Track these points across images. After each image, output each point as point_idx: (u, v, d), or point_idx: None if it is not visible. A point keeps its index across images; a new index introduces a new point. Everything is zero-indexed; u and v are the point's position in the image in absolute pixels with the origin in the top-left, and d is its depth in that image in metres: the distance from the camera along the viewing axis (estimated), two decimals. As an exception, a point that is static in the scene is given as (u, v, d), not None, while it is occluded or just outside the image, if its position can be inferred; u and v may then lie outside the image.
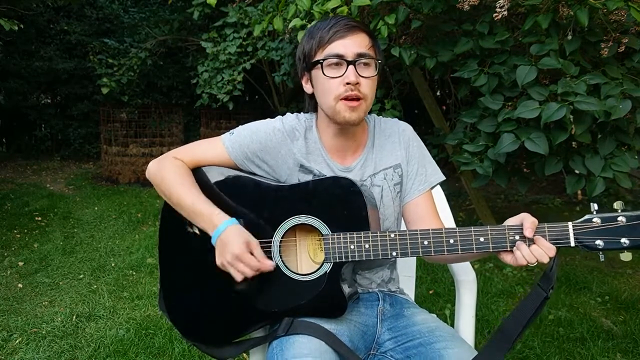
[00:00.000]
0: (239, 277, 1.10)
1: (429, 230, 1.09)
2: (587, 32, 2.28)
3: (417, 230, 1.09)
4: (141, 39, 6.79)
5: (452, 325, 1.47)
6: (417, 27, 2.64)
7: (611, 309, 2.74)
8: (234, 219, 1.14)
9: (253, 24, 3.22)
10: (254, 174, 1.26)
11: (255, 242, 1.12)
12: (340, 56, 1.15)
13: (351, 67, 1.14)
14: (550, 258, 1.02)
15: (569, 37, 2.24)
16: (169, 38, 6.47)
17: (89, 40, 7.44)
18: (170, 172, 1.22)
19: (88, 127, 8.46)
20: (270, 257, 1.16)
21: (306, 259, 1.20)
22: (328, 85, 1.16)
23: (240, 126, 1.29)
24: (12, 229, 4.33)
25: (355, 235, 1.11)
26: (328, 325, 1.12)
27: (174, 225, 1.25)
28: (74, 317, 2.65)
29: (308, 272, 1.14)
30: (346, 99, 1.15)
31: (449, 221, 1.52)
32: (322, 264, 1.13)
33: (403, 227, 1.37)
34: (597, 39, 2.25)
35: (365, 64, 1.17)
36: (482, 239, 1.06)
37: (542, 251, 1.02)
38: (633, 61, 2.33)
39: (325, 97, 1.18)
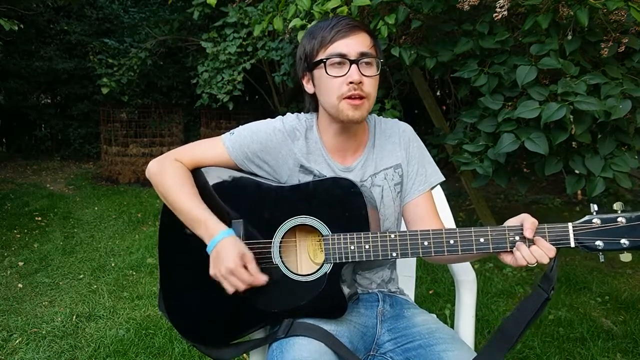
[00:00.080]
0: (230, 290, 1.10)
1: (429, 230, 1.09)
2: (587, 32, 2.28)
3: (417, 231, 1.09)
4: (141, 39, 6.79)
5: (452, 325, 1.47)
6: (417, 27, 2.64)
7: (611, 309, 2.74)
8: (230, 229, 1.14)
9: (253, 24, 3.22)
10: (254, 175, 1.25)
11: (250, 256, 1.11)
12: (343, 55, 1.15)
13: (354, 66, 1.14)
14: (551, 259, 1.02)
15: (569, 37, 2.24)
16: (169, 38, 6.47)
17: (89, 40, 7.44)
18: (170, 176, 1.22)
19: (88, 127, 8.46)
20: (270, 258, 1.16)
21: (306, 260, 1.20)
22: (331, 85, 1.16)
23: (240, 126, 1.29)
24: (12, 229, 4.33)
25: (355, 236, 1.11)
26: (328, 326, 1.12)
27: (173, 225, 1.25)
28: (74, 317, 2.65)
29: (308, 273, 1.14)
30: (349, 97, 1.15)
31: (449, 221, 1.52)
32: (322, 264, 1.13)
33: (403, 227, 1.37)
34: (597, 39, 2.25)
35: (368, 63, 1.17)
36: (482, 240, 1.06)
37: (542, 252, 1.02)
38: (633, 61, 2.33)
39: (328, 97, 1.18)
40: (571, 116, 2.16)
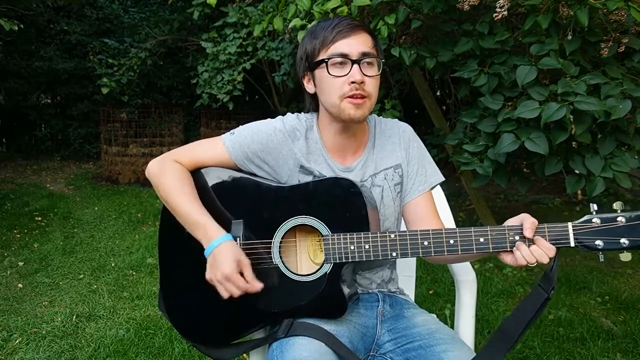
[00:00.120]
0: (225, 295, 1.10)
1: (429, 230, 1.09)
2: (587, 32, 2.28)
3: (417, 231, 1.09)
4: (141, 39, 6.79)
5: (452, 325, 1.47)
6: (417, 27, 2.64)
7: (611, 309, 2.74)
8: (228, 234, 1.14)
9: (253, 24, 3.22)
10: (254, 175, 1.25)
11: (246, 262, 1.11)
12: (344, 55, 1.15)
13: (356, 66, 1.15)
14: (550, 258, 1.02)
15: (569, 37, 2.24)
16: (169, 38, 6.47)
17: (89, 40, 7.44)
18: (170, 178, 1.22)
19: (88, 127, 8.46)
20: (270, 258, 1.16)
21: (306, 260, 1.20)
22: (333, 84, 1.16)
23: (240, 126, 1.28)
24: (12, 229, 4.33)
25: (355, 236, 1.11)
26: (328, 327, 1.12)
27: (173, 225, 1.25)
28: (74, 317, 2.65)
29: (308, 273, 1.14)
30: (351, 97, 1.15)
31: (449, 221, 1.52)
32: (322, 264, 1.13)
33: (403, 227, 1.37)
34: (597, 39, 2.25)
35: (369, 63, 1.17)
36: (482, 240, 1.06)
37: (542, 251, 1.02)
38: (633, 61, 2.33)
39: (330, 96, 1.18)
40: (571, 116, 2.16)
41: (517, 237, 1.05)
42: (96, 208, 5.23)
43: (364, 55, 1.16)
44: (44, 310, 2.76)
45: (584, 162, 2.28)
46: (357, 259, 1.11)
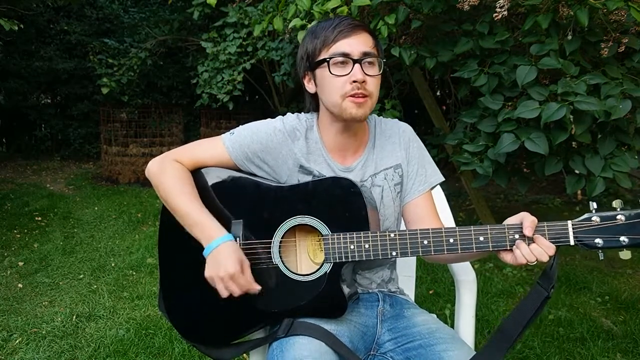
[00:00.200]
0: (225, 294, 1.11)
1: (428, 229, 1.09)
2: (587, 32, 2.28)
3: (416, 230, 1.09)
4: (141, 39, 6.79)
5: (452, 325, 1.47)
6: (417, 27, 2.64)
7: (611, 309, 2.74)
8: (230, 234, 1.14)
9: (253, 24, 3.22)
10: (254, 175, 1.25)
11: (247, 263, 1.13)
12: (346, 55, 1.15)
13: (357, 65, 1.15)
14: (550, 257, 1.03)
15: (569, 37, 2.24)
16: (169, 38, 6.47)
17: (89, 40, 7.44)
18: (170, 177, 1.22)
19: (88, 127, 8.46)
20: (270, 258, 1.16)
21: (306, 260, 1.20)
22: (334, 84, 1.16)
23: (240, 126, 1.28)
24: (12, 229, 4.33)
25: (355, 236, 1.11)
26: (328, 326, 1.12)
27: (173, 225, 1.25)
28: (74, 317, 2.65)
29: (308, 273, 1.14)
30: (353, 96, 1.15)
31: (449, 221, 1.52)
32: (322, 264, 1.13)
33: (403, 227, 1.37)
34: (597, 39, 2.25)
35: (370, 63, 1.17)
36: (481, 238, 1.06)
37: (542, 250, 1.02)
38: (633, 61, 2.33)
39: (331, 96, 1.18)
40: (571, 116, 2.16)
41: (516, 236, 1.05)
42: (96, 208, 5.23)
43: (365, 54, 1.16)
44: (44, 310, 2.76)
45: (584, 162, 2.28)
46: (357, 259, 1.11)
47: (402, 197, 1.30)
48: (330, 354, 1.06)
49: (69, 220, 4.70)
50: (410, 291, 1.55)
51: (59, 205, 5.29)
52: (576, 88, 2.10)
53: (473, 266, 1.49)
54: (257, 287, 1.12)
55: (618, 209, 1.01)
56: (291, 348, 1.06)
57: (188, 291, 1.24)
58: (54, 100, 9.08)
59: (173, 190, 1.20)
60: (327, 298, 1.13)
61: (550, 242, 1.02)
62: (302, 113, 1.32)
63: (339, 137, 1.25)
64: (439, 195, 1.54)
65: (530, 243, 1.03)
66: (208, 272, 1.12)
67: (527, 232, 1.03)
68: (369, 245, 1.10)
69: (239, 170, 1.26)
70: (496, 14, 2.14)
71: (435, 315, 1.29)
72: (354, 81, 1.14)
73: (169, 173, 1.23)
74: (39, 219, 4.71)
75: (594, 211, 1.02)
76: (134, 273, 3.34)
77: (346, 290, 1.14)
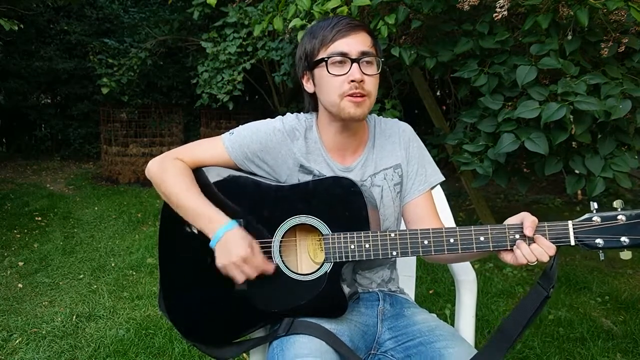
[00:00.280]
0: (241, 279, 1.11)
1: (429, 229, 1.09)
2: (587, 32, 2.28)
3: (417, 230, 1.09)
4: (141, 39, 6.79)
5: (452, 325, 1.47)
6: (417, 27, 2.64)
7: (611, 309, 2.74)
8: (234, 221, 1.14)
9: (253, 24, 3.22)
10: (254, 174, 1.26)
11: (257, 246, 1.13)
12: (344, 54, 1.15)
13: (355, 65, 1.15)
14: (551, 257, 1.03)
15: (569, 37, 2.24)
16: (169, 38, 6.47)
17: (89, 40, 7.45)
18: (171, 174, 1.22)
19: (88, 127, 8.46)
20: (270, 258, 1.16)
21: (306, 259, 1.20)
22: (332, 83, 1.16)
23: (240, 126, 1.29)
24: (12, 229, 4.33)
25: (355, 235, 1.11)
26: (328, 325, 1.12)
27: (173, 225, 1.25)
28: (74, 317, 2.65)
29: (308, 272, 1.14)
30: (351, 96, 1.15)
31: (449, 221, 1.52)
32: (322, 263, 1.13)
33: (403, 227, 1.37)
34: (597, 39, 2.25)
35: (368, 62, 1.18)
36: (482, 238, 1.06)
37: (542, 250, 1.02)
38: (633, 61, 2.33)
39: (330, 95, 1.18)
40: (571, 116, 2.16)
41: (517, 236, 1.05)
42: (96, 208, 5.23)
43: (363, 54, 1.16)
44: (44, 310, 2.76)
45: (584, 162, 2.28)
46: (357, 258, 1.11)
47: (402, 197, 1.30)
48: (330, 352, 1.06)
49: (69, 220, 4.70)
50: (410, 291, 1.55)
51: (59, 205, 5.29)
52: (576, 88, 2.10)
53: (473, 266, 1.49)
54: (271, 266, 1.12)
55: (619, 209, 1.01)
56: (291, 347, 1.06)
57: (188, 290, 1.24)
58: (54, 100, 9.08)
59: (175, 185, 1.20)
60: (327, 297, 1.13)
61: (551, 242, 1.02)
62: (302, 113, 1.32)
63: (338, 137, 1.25)
64: (439, 195, 1.54)
65: (531, 243, 1.03)
66: (220, 261, 1.12)
67: (528, 232, 1.03)
68: (370, 245, 1.10)
69: (239, 169, 1.26)
70: (496, 14, 2.14)
71: (435, 315, 1.29)
72: (352, 80, 1.14)
73: (170, 170, 1.23)
74: (39, 219, 4.71)
75: (594, 211, 1.02)
76: (134, 273, 3.34)
77: (346, 289, 1.14)
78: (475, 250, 1.07)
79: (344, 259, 1.11)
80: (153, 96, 7.92)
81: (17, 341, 2.39)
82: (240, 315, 1.19)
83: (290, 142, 1.25)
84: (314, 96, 1.26)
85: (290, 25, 2.56)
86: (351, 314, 1.22)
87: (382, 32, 2.42)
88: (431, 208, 1.30)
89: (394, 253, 1.10)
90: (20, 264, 3.48)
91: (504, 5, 2.11)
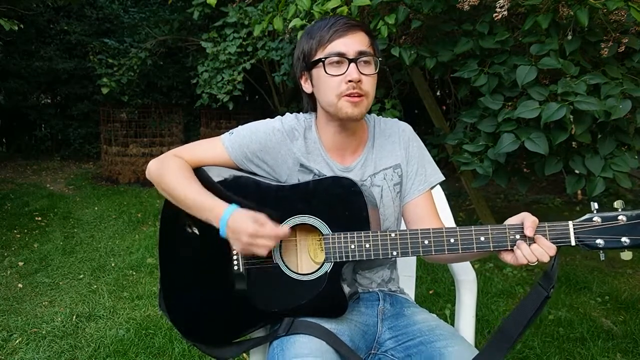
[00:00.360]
0: (264, 252, 1.09)
1: (429, 229, 1.09)
2: (587, 32, 2.28)
3: (417, 230, 1.09)
4: (141, 39, 6.79)
5: (453, 325, 1.47)
6: (417, 27, 2.64)
7: (611, 309, 2.74)
8: (233, 204, 1.14)
9: (253, 24, 3.22)
10: (254, 174, 1.26)
11: (263, 216, 1.11)
12: (341, 54, 1.15)
13: (353, 65, 1.15)
14: (551, 257, 1.03)
15: (569, 37, 2.24)
16: (169, 38, 6.47)
17: (89, 40, 7.45)
18: (171, 169, 1.22)
19: (88, 127, 8.46)
20: (270, 257, 1.16)
21: (306, 259, 1.20)
22: (330, 83, 1.16)
23: (239, 126, 1.29)
24: (12, 229, 4.33)
25: (355, 235, 1.11)
26: (329, 325, 1.12)
27: (174, 225, 1.25)
28: (74, 317, 2.65)
29: (308, 272, 1.14)
30: (349, 95, 1.15)
31: (449, 221, 1.52)
32: (323, 263, 1.13)
33: (403, 227, 1.37)
34: (597, 39, 2.25)
35: (366, 62, 1.18)
36: (482, 238, 1.06)
37: (543, 250, 1.02)
38: (633, 61, 2.33)
39: (327, 95, 1.18)
40: (571, 116, 2.16)
41: (517, 236, 1.05)
42: (96, 208, 5.23)
43: (361, 54, 1.16)
44: (44, 310, 2.76)
45: (584, 162, 2.28)
46: (357, 258, 1.11)
47: (401, 197, 1.30)
48: (330, 352, 1.06)
49: (69, 220, 4.70)
50: (410, 291, 1.55)
51: (59, 205, 5.29)
52: (576, 88, 2.10)
53: (473, 266, 1.49)
54: (285, 230, 1.10)
55: (619, 210, 1.01)
56: (292, 347, 1.06)
57: (188, 290, 1.24)
58: (54, 100, 9.08)
59: (175, 180, 1.20)
60: (327, 297, 1.13)
61: (551, 242, 1.02)
62: (301, 113, 1.32)
63: (337, 137, 1.25)
64: (439, 195, 1.54)
65: (531, 243, 1.03)
66: (235, 247, 1.12)
67: (528, 232, 1.03)
68: (370, 244, 1.10)
69: (239, 169, 1.26)
70: (496, 14, 2.14)
71: (435, 315, 1.29)
72: (350, 81, 1.14)
73: (170, 166, 1.23)
74: (39, 219, 4.71)
75: (595, 211, 1.02)
76: (134, 273, 3.34)
77: (347, 289, 1.14)
78: (475, 251, 1.07)
79: (344, 259, 1.11)
80: (153, 96, 7.92)
81: (17, 341, 2.39)
82: (241, 315, 1.19)
83: (289, 142, 1.25)
84: (312, 96, 1.26)
85: (290, 25, 2.56)
86: (351, 314, 1.21)
87: (382, 32, 2.42)
88: (431, 208, 1.30)
89: (394, 253, 1.10)
90: (20, 264, 3.48)
91: (504, 5, 2.11)
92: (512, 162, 2.76)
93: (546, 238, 1.03)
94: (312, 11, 2.44)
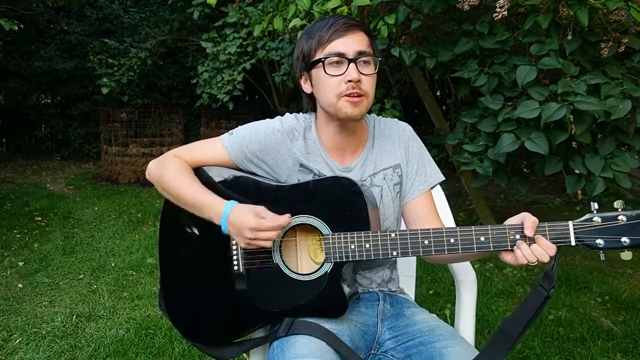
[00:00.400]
0: (268, 245, 1.10)
1: (429, 229, 1.09)
2: (587, 32, 2.28)
3: (417, 230, 1.09)
4: (141, 39, 6.79)
5: (453, 325, 1.47)
6: (417, 27, 2.64)
7: (611, 309, 2.74)
8: (231, 200, 1.14)
9: (253, 24, 3.22)
10: (254, 174, 1.26)
11: (262, 208, 1.11)
12: (341, 54, 1.15)
13: (352, 65, 1.15)
14: (551, 257, 1.03)
15: (569, 37, 2.24)
16: (169, 38, 6.47)
17: (89, 40, 7.45)
18: (171, 169, 1.23)
19: (88, 127, 8.46)
20: (270, 257, 1.16)
21: (306, 259, 1.20)
22: (329, 83, 1.16)
23: (239, 126, 1.29)
24: (12, 229, 4.33)
25: (355, 235, 1.11)
26: (329, 325, 1.12)
27: (174, 225, 1.25)
28: (74, 317, 2.65)
29: (308, 272, 1.14)
30: (348, 95, 1.15)
31: (449, 221, 1.52)
32: (323, 263, 1.13)
33: (403, 227, 1.37)
34: (597, 39, 2.25)
35: (365, 62, 1.18)
36: (482, 238, 1.06)
37: (543, 250, 1.02)
38: (633, 61, 2.33)
39: (327, 95, 1.18)
40: (571, 116, 2.16)
41: (517, 236, 1.05)
42: (96, 208, 5.23)
43: (360, 54, 1.16)
44: (44, 310, 2.76)
45: (584, 162, 2.28)
46: (357, 258, 1.11)
47: (401, 197, 1.30)
48: (330, 353, 1.06)
49: (69, 220, 4.70)
50: (410, 291, 1.55)
51: (59, 205, 5.29)
52: (576, 88, 2.10)
53: (473, 266, 1.49)
54: (285, 217, 1.10)
55: (619, 210, 1.01)
56: (292, 347, 1.06)
57: (188, 290, 1.24)
58: (54, 100, 9.08)
59: (174, 178, 1.20)
60: (327, 297, 1.13)
61: (551, 242, 1.02)
62: (301, 113, 1.32)
63: (336, 137, 1.25)
64: (439, 195, 1.54)
65: (531, 243, 1.03)
66: (239, 242, 1.12)
67: (528, 232, 1.03)
68: (370, 245, 1.10)
69: (239, 169, 1.26)
70: (496, 14, 2.14)
71: (435, 315, 1.29)
72: (349, 81, 1.14)
73: (170, 166, 1.23)
74: (39, 219, 4.71)
75: (595, 211, 1.02)
76: (134, 273, 3.34)
77: (347, 289, 1.14)
78: (475, 251, 1.07)
79: (344, 259, 1.11)
80: (153, 96, 7.92)
81: (17, 341, 2.39)
82: (241, 315, 1.19)
83: (289, 142, 1.25)
84: (312, 96, 1.26)
85: (290, 25, 2.56)
86: (351, 314, 1.21)
87: (382, 32, 2.42)
88: (431, 208, 1.30)
89: (394, 253, 1.10)
90: (20, 264, 3.48)
91: (504, 5, 2.11)
92: (512, 162, 2.76)
93: (546, 238, 1.03)
94: (312, 11, 2.44)
